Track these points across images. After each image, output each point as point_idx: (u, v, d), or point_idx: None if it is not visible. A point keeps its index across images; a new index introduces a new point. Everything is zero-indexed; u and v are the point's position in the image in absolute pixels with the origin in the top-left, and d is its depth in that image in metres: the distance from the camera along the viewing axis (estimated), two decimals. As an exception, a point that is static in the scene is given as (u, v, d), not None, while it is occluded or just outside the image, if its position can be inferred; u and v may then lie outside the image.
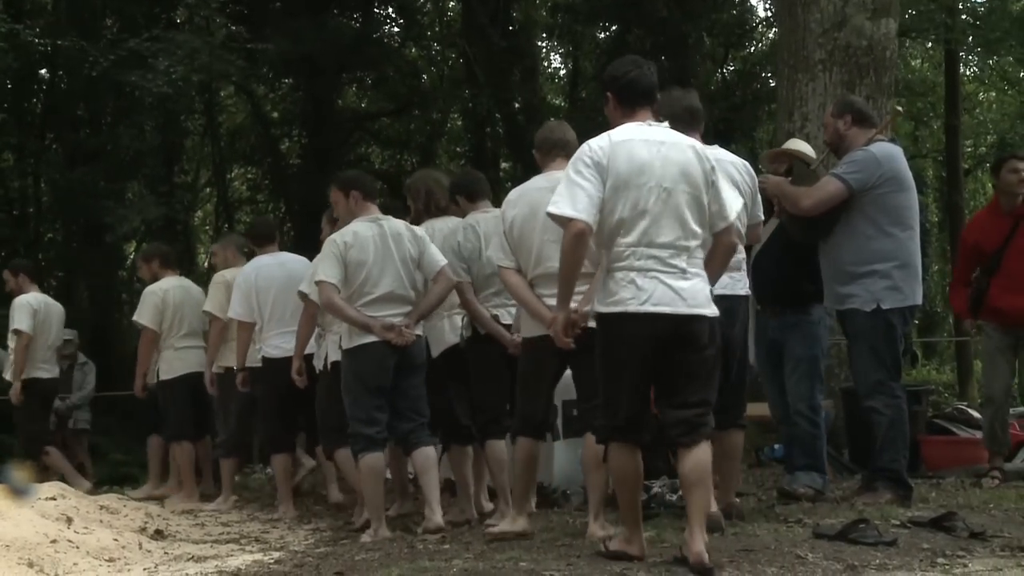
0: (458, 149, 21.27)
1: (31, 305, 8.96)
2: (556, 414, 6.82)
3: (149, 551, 5.56)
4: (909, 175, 5.94)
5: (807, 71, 8.41)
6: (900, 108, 7.95)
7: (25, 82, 16.02)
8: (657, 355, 4.26)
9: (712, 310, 4.35)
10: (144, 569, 4.99)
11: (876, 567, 4.09)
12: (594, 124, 15.94)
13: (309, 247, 7.53)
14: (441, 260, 6.01)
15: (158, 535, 6.13)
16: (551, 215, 4.34)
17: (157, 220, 15.28)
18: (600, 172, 4.28)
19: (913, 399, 7.28)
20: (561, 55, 20.44)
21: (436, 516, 5.77)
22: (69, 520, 5.64)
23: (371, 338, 5.85)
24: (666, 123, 4.53)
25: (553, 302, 4.65)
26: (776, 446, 7.87)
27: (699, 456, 4.24)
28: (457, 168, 21.75)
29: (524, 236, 5.15)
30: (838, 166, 5.95)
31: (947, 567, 4.10)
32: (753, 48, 18.88)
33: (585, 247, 4.33)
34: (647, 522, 5.29)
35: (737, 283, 5.35)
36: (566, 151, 5.18)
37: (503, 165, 19.51)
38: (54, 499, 6.03)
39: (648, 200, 4.27)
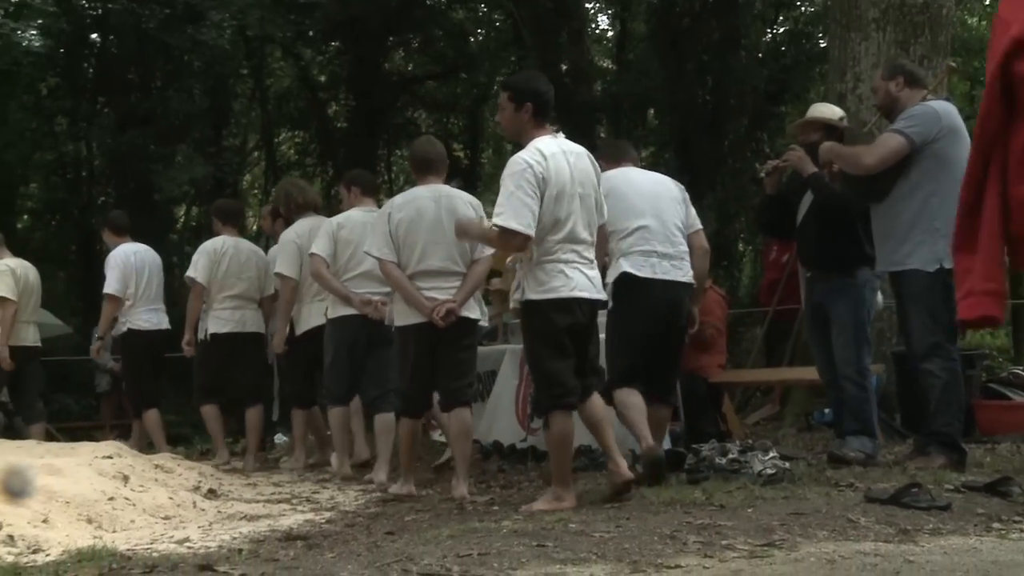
0: (505, 112, 21.14)
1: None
2: (604, 377, 6.85)
3: (203, 510, 5.63)
4: (966, 131, 5.82)
5: (860, 30, 8.27)
6: (954, 64, 7.77)
7: (77, 47, 16.15)
8: (577, 332, 5.07)
9: (604, 295, 5.27)
10: (199, 527, 5.05)
11: (929, 531, 4.05)
12: (641, 87, 15.90)
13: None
14: None
15: (211, 494, 6.19)
16: (498, 226, 5.00)
17: (205, 181, 15.42)
18: (542, 186, 4.99)
19: (967, 363, 7.19)
20: (609, 16, 20.25)
21: (380, 474, 6.58)
22: (126, 478, 5.72)
23: (350, 311, 6.75)
24: (562, 134, 5.30)
25: (432, 295, 5.75)
26: (826, 410, 7.82)
27: (596, 403, 5.20)
28: (502, 131, 21.69)
29: (410, 237, 5.87)
30: (896, 122, 5.84)
31: (1002, 532, 4.06)
32: (804, 7, 18.59)
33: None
34: (697, 485, 5.32)
35: None
36: (438, 168, 6.13)
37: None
38: (110, 457, 6.12)
39: (572, 204, 5.06)
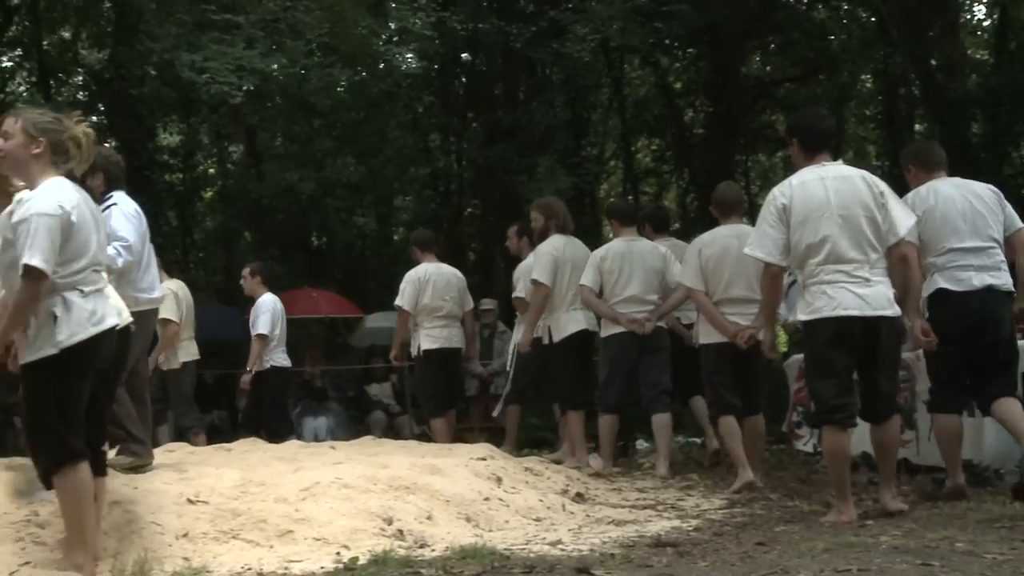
0: (867, 112, 20.37)
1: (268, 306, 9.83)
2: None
3: (572, 513, 5.76)
4: None
5: None
6: None
7: (449, 66, 17.06)
8: (851, 350, 5.18)
9: (894, 311, 5.25)
10: (569, 530, 5.16)
11: None
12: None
13: (712, 219, 7.66)
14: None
15: (579, 498, 6.32)
16: (748, 254, 5.54)
17: (566, 191, 15.83)
18: (785, 215, 5.28)
19: None
20: (986, 4, 18.97)
21: (661, 468, 7.49)
22: (499, 480, 5.95)
23: (620, 329, 7.62)
24: (840, 160, 5.50)
25: (734, 319, 6.64)
26: None
27: (889, 429, 5.35)
28: (866, 131, 20.90)
29: (717, 270, 6.80)
30: None
31: None
32: None
33: (780, 284, 5.60)
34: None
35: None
36: (738, 209, 7.13)
37: (917, 127, 18.46)
38: (484, 459, 6.38)
39: (827, 227, 5.20)
